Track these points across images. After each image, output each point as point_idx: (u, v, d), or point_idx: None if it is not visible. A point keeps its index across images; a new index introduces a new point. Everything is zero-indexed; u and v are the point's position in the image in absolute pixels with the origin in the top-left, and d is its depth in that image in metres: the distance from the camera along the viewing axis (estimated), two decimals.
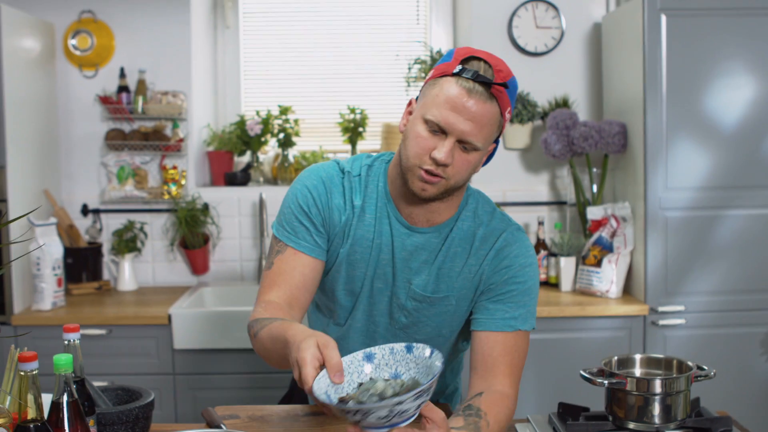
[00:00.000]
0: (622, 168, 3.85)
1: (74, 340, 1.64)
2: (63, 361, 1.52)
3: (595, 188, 3.96)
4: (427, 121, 1.76)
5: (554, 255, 3.93)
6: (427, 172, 1.77)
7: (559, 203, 4.19)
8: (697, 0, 3.50)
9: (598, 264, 3.72)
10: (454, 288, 1.92)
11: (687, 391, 1.78)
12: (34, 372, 1.46)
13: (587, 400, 2.22)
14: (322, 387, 1.42)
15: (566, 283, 3.85)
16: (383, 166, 1.97)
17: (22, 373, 1.45)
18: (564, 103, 4.09)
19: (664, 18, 3.49)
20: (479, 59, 1.75)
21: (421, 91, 1.84)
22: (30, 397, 1.45)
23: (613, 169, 3.98)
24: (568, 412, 1.92)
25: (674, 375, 1.80)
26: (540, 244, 3.98)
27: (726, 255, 3.58)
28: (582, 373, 1.81)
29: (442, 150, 1.74)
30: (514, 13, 4.10)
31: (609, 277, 3.67)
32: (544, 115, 4.12)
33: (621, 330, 3.56)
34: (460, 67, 1.74)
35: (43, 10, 4.08)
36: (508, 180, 4.18)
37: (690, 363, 1.83)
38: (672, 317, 3.57)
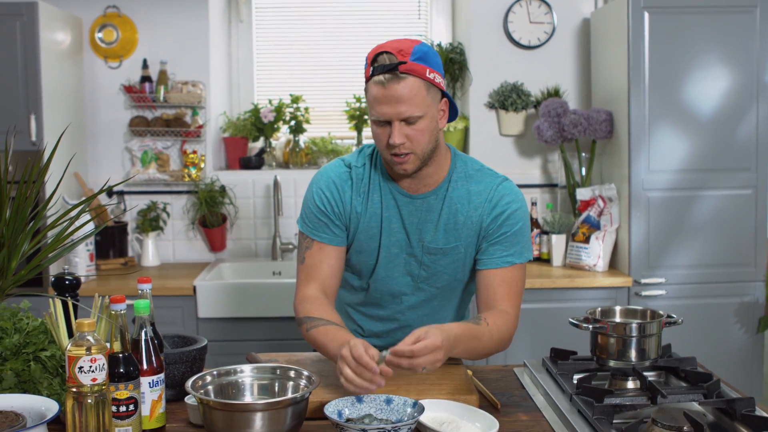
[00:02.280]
0: (609, 152, 4.16)
1: (147, 290, 1.96)
2: (142, 305, 1.84)
3: (584, 171, 4.26)
4: (373, 122, 2.10)
5: (546, 233, 4.24)
6: (395, 155, 2.11)
7: (551, 185, 4.49)
8: None
9: (587, 240, 4.03)
10: (460, 237, 2.24)
11: (659, 335, 2.10)
12: (123, 311, 1.78)
13: (576, 347, 2.53)
14: (336, 405, 1.83)
15: (557, 259, 4.17)
16: (370, 149, 2.32)
17: (113, 312, 1.77)
18: (555, 93, 4.39)
19: (647, 15, 3.80)
20: (383, 53, 2.05)
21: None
22: (118, 334, 1.77)
23: (600, 153, 4.28)
24: (558, 356, 2.25)
25: (648, 320, 2.13)
26: (533, 223, 4.28)
27: (703, 232, 3.89)
28: (570, 320, 2.14)
29: (394, 135, 2.07)
30: (509, 9, 4.40)
31: (596, 252, 3.99)
32: (537, 104, 4.41)
33: (607, 300, 3.87)
34: (371, 69, 2.06)
35: (72, 5, 4.38)
36: (504, 164, 4.47)
37: (661, 312, 2.17)
38: (654, 288, 3.88)
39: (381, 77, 2.03)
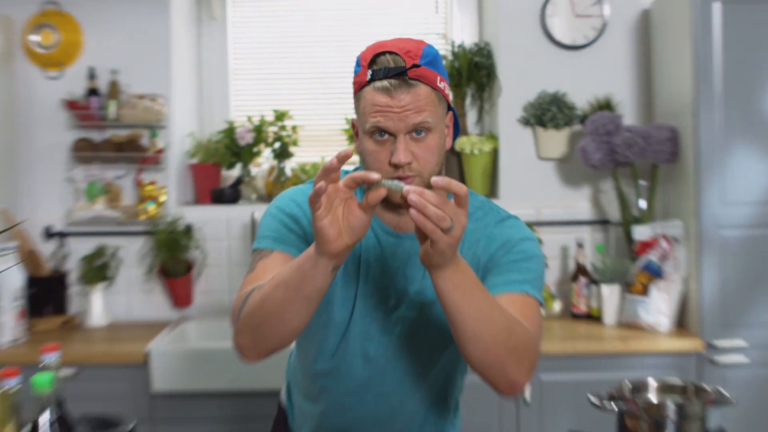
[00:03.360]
0: (674, 180, 4.15)
1: (53, 361, 1.98)
2: (43, 380, 1.87)
3: (642, 204, 4.26)
4: (370, 134, 2.07)
5: (596, 282, 4.24)
6: (397, 179, 2.06)
7: (602, 222, 4.50)
8: None
9: (646, 292, 4.02)
10: None
11: (702, 417, 2.09)
12: (16, 389, 1.81)
13: None
14: None
15: (609, 315, 4.16)
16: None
17: (3, 390, 1.80)
18: (606, 105, 4.40)
19: (717, 6, 3.81)
20: (384, 53, 2.07)
21: (354, 109, 2.16)
22: (11, 417, 1.80)
23: (663, 181, 4.27)
24: None
25: (688, 399, 2.12)
26: (579, 271, 4.29)
27: None
28: (590, 397, 2.13)
29: (398, 151, 2.04)
30: (548, 0, 4.44)
31: (658, 307, 3.98)
32: (583, 119, 4.42)
33: (672, 369, 3.83)
34: (370, 72, 2.07)
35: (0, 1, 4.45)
36: (543, 195, 4.49)
37: (708, 387, 2.16)
38: (732, 354, 3.84)
39: (386, 83, 2.04)
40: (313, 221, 1.82)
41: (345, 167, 2.07)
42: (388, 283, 2.24)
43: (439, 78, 2.09)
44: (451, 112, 2.19)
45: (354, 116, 2.18)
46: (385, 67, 2.05)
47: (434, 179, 1.77)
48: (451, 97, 2.17)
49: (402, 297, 2.24)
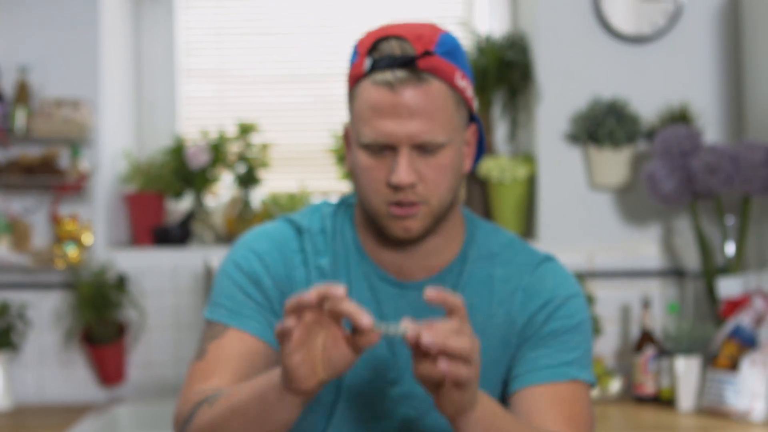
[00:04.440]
0: None
1: None
2: None
3: (731, 249, 4.17)
4: (365, 147, 2.00)
5: (667, 353, 4.12)
6: (397, 204, 2.00)
7: (677, 273, 4.42)
8: None
9: (735, 367, 3.90)
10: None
11: None
12: None
13: None
14: None
15: (686, 398, 4.03)
16: (348, 213, 2.22)
17: None
18: (682, 116, 4.31)
19: None
20: (388, 39, 1.99)
21: (348, 109, 2.09)
22: None
23: (757, 218, 4.21)
24: None
25: None
26: (646, 338, 4.17)
27: None
28: None
29: (399, 170, 1.97)
30: None
31: (751, 388, 3.85)
32: (650, 134, 4.35)
33: None
34: (369, 61, 1.99)
35: None
36: (597, 237, 4.42)
37: None
38: None
39: (389, 74, 1.99)
40: (282, 357, 1.75)
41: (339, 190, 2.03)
42: (387, 350, 2.17)
43: (458, 74, 2.04)
44: (474, 125, 2.13)
45: (346, 123, 2.15)
46: (389, 56, 2.00)
47: (428, 293, 1.73)
48: (475, 104, 2.10)
49: (405, 369, 2.14)
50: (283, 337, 1.72)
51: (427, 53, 1.98)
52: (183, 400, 2.06)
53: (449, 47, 2.03)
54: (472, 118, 2.13)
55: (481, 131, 2.15)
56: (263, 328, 2.12)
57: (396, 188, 2.00)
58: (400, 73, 1.97)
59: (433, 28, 2.04)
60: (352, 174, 2.10)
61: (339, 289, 1.70)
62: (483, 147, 2.18)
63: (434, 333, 1.67)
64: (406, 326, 1.72)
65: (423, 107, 1.98)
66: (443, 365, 1.68)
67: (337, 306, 1.72)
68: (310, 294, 1.70)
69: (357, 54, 2.05)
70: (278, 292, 2.14)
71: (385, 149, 2.01)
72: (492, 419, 1.85)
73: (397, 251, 2.13)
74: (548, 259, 2.22)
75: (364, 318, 1.70)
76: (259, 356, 2.12)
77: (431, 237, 2.12)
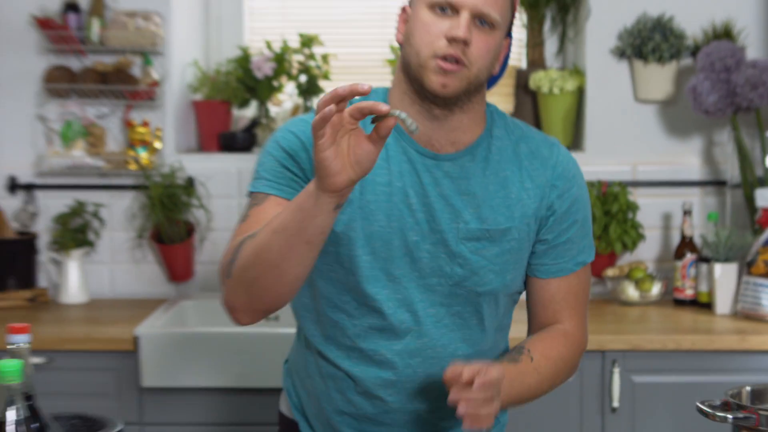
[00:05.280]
0: None
1: (22, 345, 1.99)
2: (10, 368, 1.87)
3: None
4: (432, 5, 2.25)
5: (707, 260, 4.23)
6: (445, 59, 2.22)
7: (717, 183, 4.50)
8: None
9: None
10: (513, 218, 2.35)
11: None
12: None
13: None
14: None
15: (723, 303, 4.14)
16: (381, 93, 2.42)
17: None
18: (726, 34, 4.36)
19: None
20: None
21: None
22: None
23: None
24: None
25: None
26: (686, 245, 4.29)
27: None
28: (699, 405, 2.12)
29: (461, 24, 2.21)
30: None
31: None
32: (694, 51, 4.40)
33: None
34: None
35: None
36: (641, 148, 4.50)
37: None
38: None
39: None
40: (315, 152, 1.93)
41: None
42: (432, 212, 2.35)
43: None
44: (509, 39, 2.38)
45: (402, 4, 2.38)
46: None
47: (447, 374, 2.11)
48: (514, 18, 2.37)
49: (451, 229, 2.34)
50: (318, 128, 1.90)
51: None
52: (226, 251, 2.24)
53: None
54: (508, 33, 2.36)
55: (509, 50, 2.40)
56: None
57: (452, 41, 2.21)
58: None
59: None
60: (407, 36, 2.29)
61: (364, 86, 1.88)
62: (506, 64, 2.42)
63: (467, 404, 2.07)
64: (412, 119, 1.96)
65: None
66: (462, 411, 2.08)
67: (359, 104, 1.91)
68: (342, 87, 1.88)
69: None
70: (312, 165, 2.26)
71: (448, 9, 2.22)
72: (516, 396, 2.30)
73: (430, 122, 2.31)
74: (557, 142, 2.48)
75: (383, 105, 1.88)
76: None
77: (458, 112, 2.32)
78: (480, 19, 2.23)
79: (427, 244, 2.34)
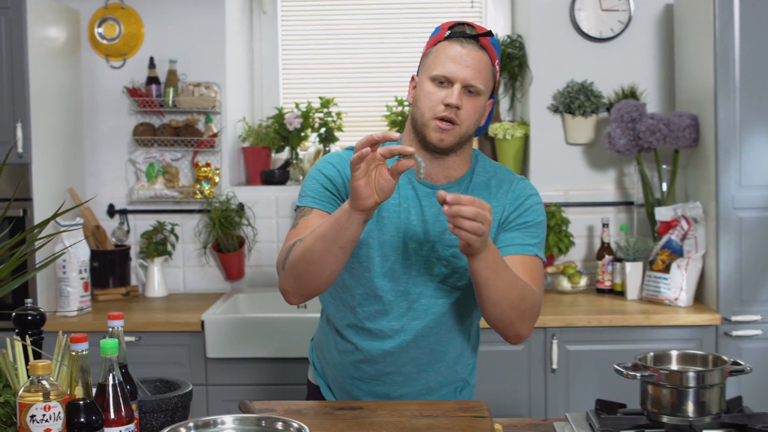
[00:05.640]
0: (694, 164, 4.14)
1: (118, 327, 2.01)
2: (109, 345, 1.89)
3: (664, 187, 4.25)
4: (433, 78, 2.31)
5: (620, 260, 4.24)
6: (442, 119, 2.29)
7: (626, 204, 4.49)
8: None
9: (667, 269, 4.01)
10: None
11: (721, 385, 2.09)
12: (84, 352, 1.83)
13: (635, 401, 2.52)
14: None
15: (632, 291, 4.16)
16: (395, 143, 2.43)
17: (73, 353, 1.82)
18: (632, 94, 4.38)
19: (737, 0, 3.78)
20: (462, 24, 2.35)
21: (420, 65, 2.38)
22: (80, 378, 1.82)
23: (684, 165, 4.26)
24: (605, 408, 2.25)
25: (708, 368, 2.12)
26: (604, 248, 4.29)
27: None
28: (615, 366, 2.14)
29: (453, 94, 2.28)
30: None
31: (678, 284, 3.96)
32: (609, 107, 4.41)
33: (690, 341, 3.84)
34: (449, 32, 2.31)
35: None
36: (571, 178, 4.50)
37: (726, 358, 2.15)
38: (747, 327, 3.83)
39: (462, 41, 2.30)
40: (352, 180, 2.03)
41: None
42: (426, 227, 2.40)
43: (497, 60, 2.36)
44: (492, 99, 2.42)
45: (414, 75, 2.42)
46: (463, 30, 2.32)
47: (440, 194, 2.02)
48: (497, 83, 2.43)
49: (439, 239, 2.39)
50: (356, 163, 2.00)
51: (487, 34, 2.31)
52: (282, 249, 2.32)
53: (494, 42, 2.34)
54: (491, 96, 2.40)
55: (493, 107, 2.42)
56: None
57: (447, 106, 2.28)
58: (468, 41, 2.30)
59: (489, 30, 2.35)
60: (415, 101, 2.35)
61: (395, 134, 1.99)
62: (490, 119, 2.45)
63: (455, 201, 2.00)
64: (423, 163, 2.04)
65: (476, 64, 2.29)
66: (452, 230, 2.03)
67: (390, 147, 2.00)
68: (377, 134, 1.99)
69: (439, 29, 2.35)
70: (345, 189, 2.37)
71: (445, 83, 2.29)
72: (492, 260, 2.15)
73: (430, 161, 2.37)
74: (523, 177, 2.50)
75: (409, 148, 2.00)
76: None
77: (452, 155, 2.39)
78: (468, 89, 2.29)
79: (422, 251, 2.39)
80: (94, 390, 1.87)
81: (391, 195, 2.08)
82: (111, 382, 1.89)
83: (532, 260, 2.38)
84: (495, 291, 2.20)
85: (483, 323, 2.53)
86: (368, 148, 1.99)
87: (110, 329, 2.01)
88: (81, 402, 1.81)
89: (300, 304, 2.39)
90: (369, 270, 2.39)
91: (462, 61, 2.28)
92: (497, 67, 2.37)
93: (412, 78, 2.42)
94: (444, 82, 2.29)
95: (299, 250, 2.23)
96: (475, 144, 2.59)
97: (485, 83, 2.32)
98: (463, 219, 1.99)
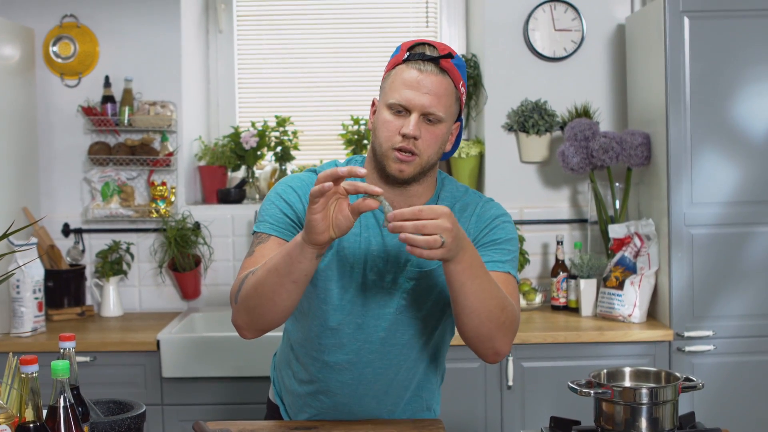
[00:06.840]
0: (647, 182, 4.17)
1: (70, 348, 1.98)
2: (60, 366, 1.86)
3: (617, 204, 4.27)
4: (390, 106, 2.19)
5: (574, 277, 4.25)
6: (401, 150, 2.18)
7: (580, 221, 4.51)
8: (722, 1, 3.82)
9: (620, 286, 4.02)
10: None
11: (674, 401, 2.10)
12: (35, 374, 1.80)
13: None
14: None
15: (587, 308, 4.16)
16: (360, 161, 2.40)
17: (23, 375, 1.79)
18: (585, 113, 4.40)
19: (686, 20, 3.81)
20: (423, 44, 2.20)
21: (380, 88, 2.27)
22: (30, 400, 1.79)
23: (636, 183, 4.29)
24: (559, 425, 2.25)
25: (661, 385, 2.12)
26: (559, 266, 4.30)
27: (757, 275, 3.87)
28: (569, 384, 2.13)
29: (409, 124, 2.15)
30: (530, 15, 4.43)
31: (632, 300, 3.98)
32: (563, 126, 4.43)
33: (644, 357, 3.85)
34: (407, 54, 2.19)
35: (23, 14, 4.45)
36: (525, 196, 4.50)
37: (678, 374, 2.15)
38: (699, 343, 3.85)
39: (420, 64, 2.17)
40: (308, 212, 1.93)
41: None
42: (387, 258, 2.30)
43: (461, 82, 2.22)
44: (459, 123, 2.30)
45: (374, 98, 2.31)
46: (422, 52, 2.18)
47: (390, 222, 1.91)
48: (462, 106, 2.28)
49: (401, 271, 2.30)
50: (315, 197, 1.90)
51: (448, 56, 2.17)
52: (236, 281, 2.22)
53: (459, 62, 2.20)
54: (458, 118, 2.29)
55: (461, 130, 2.32)
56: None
57: (404, 137, 2.16)
58: (428, 65, 2.15)
59: (452, 48, 2.21)
60: (373, 129, 2.24)
61: (361, 170, 1.89)
62: (458, 142, 2.34)
63: (397, 217, 1.89)
64: (390, 207, 1.94)
65: (435, 90, 2.15)
66: (409, 249, 1.91)
67: (357, 185, 1.90)
68: (342, 168, 1.89)
69: (399, 50, 2.23)
70: (304, 214, 2.25)
71: (402, 111, 2.16)
72: (469, 262, 2.02)
73: (392, 190, 2.27)
74: (491, 199, 2.39)
75: (376, 188, 1.90)
76: None
77: (415, 184, 2.27)
78: (427, 117, 2.17)
79: (383, 282, 2.30)
80: (45, 412, 1.84)
81: (347, 232, 1.98)
82: (62, 404, 1.86)
83: (506, 277, 2.25)
84: (473, 297, 2.05)
85: (456, 340, 2.46)
86: (331, 183, 1.89)
87: (61, 350, 1.98)
88: (31, 425, 1.78)
89: (253, 338, 2.25)
90: (325, 302, 2.31)
91: (420, 87, 2.15)
92: (462, 89, 2.23)
93: (373, 102, 2.31)
94: (401, 110, 2.17)
95: (251, 283, 2.13)
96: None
97: (446, 109, 2.19)
98: (413, 236, 1.89)
